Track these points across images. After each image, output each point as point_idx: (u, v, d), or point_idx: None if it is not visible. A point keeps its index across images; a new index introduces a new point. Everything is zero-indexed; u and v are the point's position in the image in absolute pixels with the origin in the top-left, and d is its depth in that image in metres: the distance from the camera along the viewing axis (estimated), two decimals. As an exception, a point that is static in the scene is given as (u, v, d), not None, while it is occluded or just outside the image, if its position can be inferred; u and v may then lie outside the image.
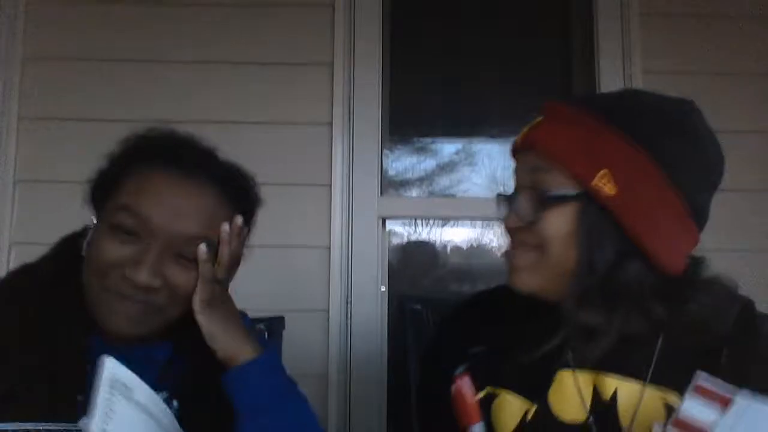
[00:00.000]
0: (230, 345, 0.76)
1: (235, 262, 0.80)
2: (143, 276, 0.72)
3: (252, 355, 0.76)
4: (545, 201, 0.70)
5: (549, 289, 0.72)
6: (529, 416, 0.72)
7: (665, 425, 0.62)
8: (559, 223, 0.69)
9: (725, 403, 0.61)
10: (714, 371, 0.65)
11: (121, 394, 0.63)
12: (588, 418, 0.71)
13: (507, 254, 0.76)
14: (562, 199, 0.69)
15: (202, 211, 0.77)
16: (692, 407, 0.62)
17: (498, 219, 0.78)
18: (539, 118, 0.75)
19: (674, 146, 0.68)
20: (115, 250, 0.73)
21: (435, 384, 0.83)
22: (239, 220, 0.78)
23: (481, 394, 0.77)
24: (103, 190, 0.79)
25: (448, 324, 0.91)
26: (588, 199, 0.68)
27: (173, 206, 0.75)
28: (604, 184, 0.67)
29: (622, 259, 0.67)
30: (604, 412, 0.71)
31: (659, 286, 0.69)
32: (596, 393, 0.72)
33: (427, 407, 0.88)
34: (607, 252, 0.67)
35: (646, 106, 0.72)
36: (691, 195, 0.69)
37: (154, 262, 0.73)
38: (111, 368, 0.63)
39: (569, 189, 0.69)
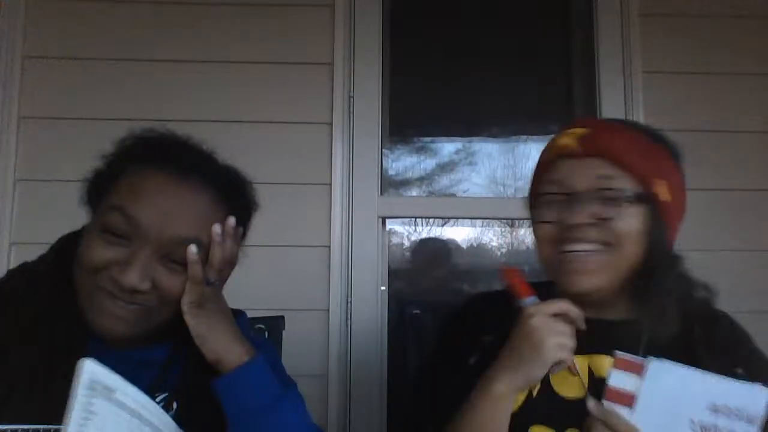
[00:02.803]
0: (218, 347, 0.75)
1: (227, 264, 0.79)
2: (130, 279, 0.71)
3: (241, 360, 0.74)
4: (620, 200, 0.79)
5: (610, 287, 0.82)
6: (535, 392, 0.82)
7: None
8: (631, 220, 0.80)
9: (641, 369, 0.73)
10: (690, 346, 0.79)
11: (102, 396, 0.61)
12: (586, 394, 0.80)
13: (567, 257, 0.81)
14: (636, 199, 0.79)
15: (193, 213, 0.75)
16: (617, 378, 0.74)
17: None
18: (583, 130, 0.83)
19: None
20: (104, 251, 0.72)
21: (451, 358, 0.90)
22: (231, 221, 0.77)
23: None
24: (98, 189, 0.78)
25: (468, 310, 0.96)
26: (651, 201, 0.80)
27: (164, 208, 0.74)
28: (663, 192, 0.80)
29: (674, 256, 0.82)
30: (599, 387, 0.78)
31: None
32: (591, 373, 0.82)
33: (441, 381, 0.90)
34: (664, 250, 0.81)
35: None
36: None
37: (143, 265, 0.72)
38: (89, 370, 0.60)
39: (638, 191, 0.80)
